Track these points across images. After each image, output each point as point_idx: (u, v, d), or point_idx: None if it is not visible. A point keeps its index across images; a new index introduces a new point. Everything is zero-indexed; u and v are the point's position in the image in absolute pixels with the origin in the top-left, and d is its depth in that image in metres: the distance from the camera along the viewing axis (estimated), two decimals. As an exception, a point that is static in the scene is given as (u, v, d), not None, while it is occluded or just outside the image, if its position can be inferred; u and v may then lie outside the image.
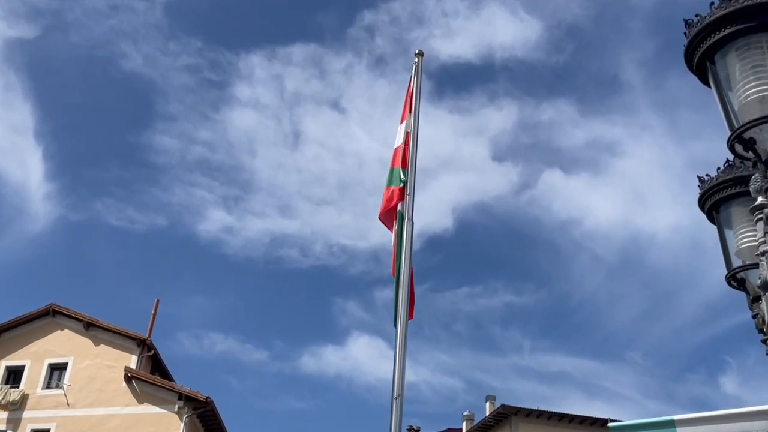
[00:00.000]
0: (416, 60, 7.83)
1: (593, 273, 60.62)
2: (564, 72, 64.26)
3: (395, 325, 6.45)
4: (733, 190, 4.50)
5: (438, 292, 59.56)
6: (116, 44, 58.12)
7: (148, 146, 60.00)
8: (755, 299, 4.14)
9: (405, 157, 7.13)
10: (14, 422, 24.44)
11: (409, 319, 6.35)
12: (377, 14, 63.40)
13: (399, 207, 6.91)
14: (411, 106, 7.41)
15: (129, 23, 59.19)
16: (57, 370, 25.66)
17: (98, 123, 59.22)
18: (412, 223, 6.75)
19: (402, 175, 6.98)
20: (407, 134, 7.28)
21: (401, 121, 7.45)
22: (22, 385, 25.20)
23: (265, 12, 66.98)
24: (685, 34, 4.25)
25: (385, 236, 7.17)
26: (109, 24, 58.06)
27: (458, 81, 67.12)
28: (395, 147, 7.34)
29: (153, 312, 26.32)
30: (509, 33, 62.43)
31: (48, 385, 25.30)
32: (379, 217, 7.06)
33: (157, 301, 26.72)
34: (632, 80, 61.34)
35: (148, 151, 58.93)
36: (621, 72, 61.48)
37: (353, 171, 63.46)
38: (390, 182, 7.12)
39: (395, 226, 6.86)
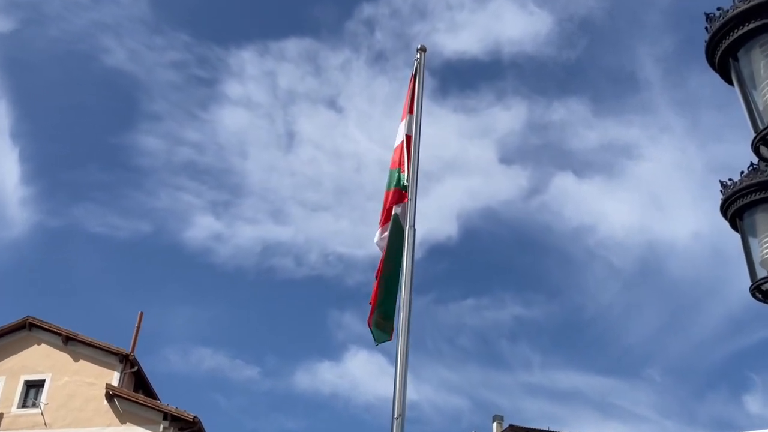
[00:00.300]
0: (418, 56, 7.88)
1: (608, 284, 60.57)
2: (576, 69, 64.33)
3: (376, 340, 6.54)
4: (758, 196, 4.52)
5: (441, 303, 59.57)
6: (98, 38, 58.33)
7: (131, 148, 60.16)
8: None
9: (407, 160, 7.18)
10: (-13, 444, 24.51)
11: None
12: (377, 7, 63.53)
13: (394, 209, 6.96)
14: (412, 105, 7.47)
15: (112, 16, 59.44)
16: (33, 387, 25.71)
17: (78, 123, 59.41)
18: (414, 230, 6.79)
19: (404, 179, 7.03)
20: (407, 135, 7.33)
21: (402, 119, 7.51)
22: (-5, 404, 25.26)
23: (256, 4, 67.21)
24: (706, 28, 4.29)
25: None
26: (90, 17, 58.31)
27: (463, 78, 67.20)
28: (395, 146, 7.40)
29: (136, 325, 26.41)
30: (518, 27, 62.49)
31: (24, 404, 25.35)
32: (380, 224, 7.12)
33: (141, 313, 26.82)
34: (650, 78, 61.34)
35: (131, 152, 59.08)
36: (638, 69, 61.47)
37: (351, 174, 63.54)
38: (390, 185, 7.17)
39: (388, 230, 6.91)
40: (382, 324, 6.66)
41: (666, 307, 58.99)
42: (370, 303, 6.82)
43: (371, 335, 6.82)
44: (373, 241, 7.16)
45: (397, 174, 7.14)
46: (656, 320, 58.25)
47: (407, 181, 6.99)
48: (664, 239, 58.07)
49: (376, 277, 6.84)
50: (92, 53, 58.17)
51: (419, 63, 7.79)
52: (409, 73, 7.78)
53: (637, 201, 63.34)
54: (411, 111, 7.45)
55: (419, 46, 7.93)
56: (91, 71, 58.78)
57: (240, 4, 64.76)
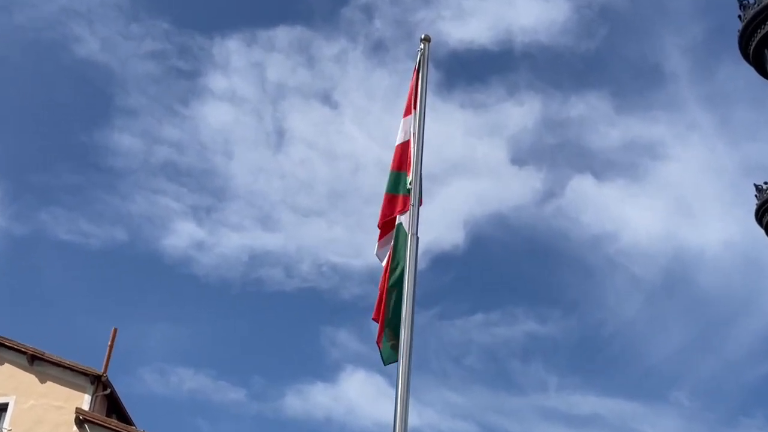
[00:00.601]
0: (422, 47, 7.86)
1: (631, 297, 60.51)
2: (596, 60, 64.46)
3: (385, 361, 6.50)
4: (797, 201, 4.47)
5: (447, 319, 59.50)
6: (68, 26, 58.31)
7: (104, 147, 60.10)
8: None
9: (408, 161, 7.15)
10: (-56, 473, 24.31)
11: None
12: (376, -8, 63.59)
13: (399, 219, 6.93)
14: (416, 101, 7.44)
15: (84, 2, 59.47)
16: (-4, 411, 25.55)
17: (46, 119, 59.33)
18: (417, 238, 6.75)
19: (407, 182, 6.99)
20: (411, 134, 7.29)
21: (405, 115, 7.48)
22: (-46, 430, 25.09)
23: (243, -10, 67.22)
24: (739, 17, 4.26)
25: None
26: (60, 2, 58.34)
27: (472, 70, 67.33)
28: (396, 143, 7.36)
29: (110, 343, 26.25)
30: (532, 14, 62.73)
31: (-15, 430, 25.17)
32: (378, 226, 7.08)
33: (115, 330, 26.66)
34: (677, 70, 61.39)
35: (104, 152, 59.00)
36: (663, 60, 61.55)
37: (347, 176, 63.49)
38: (391, 188, 7.13)
39: (391, 242, 6.88)
40: (393, 342, 6.59)
41: (694, 323, 59.00)
42: (374, 319, 6.76)
43: (380, 355, 6.76)
44: (371, 250, 7.11)
45: (401, 177, 7.11)
46: (683, 337, 58.19)
47: (410, 184, 6.96)
48: (692, 248, 58.11)
49: (381, 290, 6.79)
50: (62, 42, 58.16)
51: (423, 54, 7.77)
52: (412, 66, 7.79)
53: (662, 205, 63.49)
54: (415, 107, 7.44)
55: (423, 36, 7.91)
56: (60, 62, 58.79)
57: (224, -9, 64.77)
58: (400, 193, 7.07)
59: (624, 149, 61.68)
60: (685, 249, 59.08)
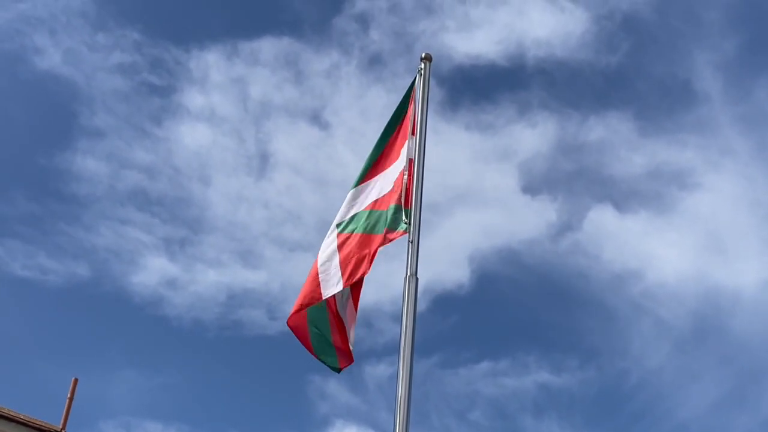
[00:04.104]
0: (422, 66, 7.83)
1: (657, 344, 60.20)
2: (618, 77, 64.70)
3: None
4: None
5: (449, 367, 59.07)
6: (27, 35, 58.47)
7: (66, 171, 60.04)
8: None
9: (397, 193, 7.26)
10: None
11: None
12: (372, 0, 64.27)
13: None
14: (414, 126, 7.51)
15: (45, 8, 59.65)
16: (-61, 473, 25.37)
17: (1, 140, 59.45)
18: (416, 279, 6.75)
19: (404, 217, 7.05)
20: (410, 160, 7.39)
21: (397, 142, 7.57)
22: None
23: (224, -2, 67.92)
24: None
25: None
26: (19, 9, 58.48)
27: (478, 88, 67.48)
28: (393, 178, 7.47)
29: (69, 395, 26.11)
30: (546, 25, 62.90)
31: (-74, 494, 24.99)
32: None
33: (75, 380, 26.45)
34: (708, 89, 61.64)
35: (66, 177, 58.94)
36: (693, 78, 61.74)
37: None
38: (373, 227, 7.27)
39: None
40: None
41: (729, 374, 58.58)
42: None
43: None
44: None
45: (388, 212, 7.20)
46: (717, 389, 57.80)
47: (407, 217, 7.01)
48: (725, 289, 57.82)
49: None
50: (20, 54, 58.23)
51: (422, 75, 7.76)
52: (412, 82, 7.79)
53: (691, 241, 63.27)
54: (413, 133, 7.47)
55: (423, 55, 7.86)
56: (18, 76, 58.81)
57: (202, -1, 65.44)
58: (398, 228, 7.15)
59: (649, 177, 61.73)
60: (717, 290, 58.92)
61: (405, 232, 7.00)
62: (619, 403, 60.16)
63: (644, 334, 60.90)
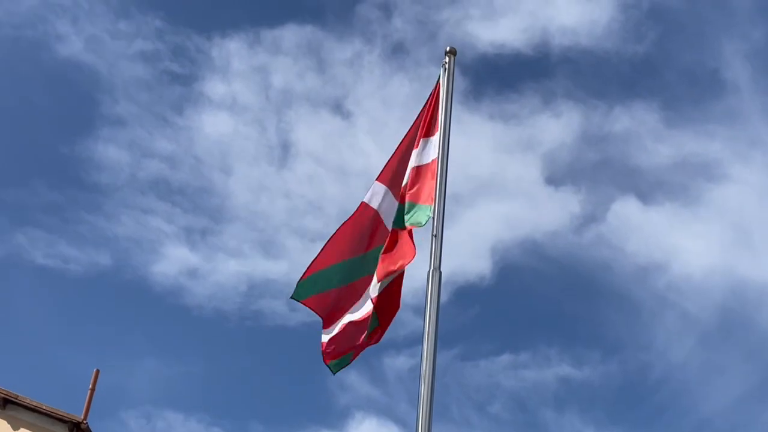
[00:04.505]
0: (446, 60, 7.79)
1: (682, 337, 59.89)
2: (644, 67, 64.20)
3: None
4: None
5: (470, 360, 59.01)
6: (50, 23, 58.77)
7: (88, 160, 60.37)
8: None
9: (422, 188, 7.32)
10: None
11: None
12: (395, -12, 64.15)
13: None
14: (436, 122, 7.49)
15: (66, -2, 60.21)
16: (-38, 462, 25.71)
17: (23, 128, 59.72)
18: (440, 273, 6.79)
19: (429, 212, 7.08)
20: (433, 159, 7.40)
21: (420, 137, 7.58)
22: None
23: (245, -14, 68.00)
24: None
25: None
26: (40, -2, 59.06)
27: (502, 77, 67.22)
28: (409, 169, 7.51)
29: (91, 385, 26.33)
30: (572, 14, 62.44)
31: (-51, 483, 25.34)
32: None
33: (97, 371, 26.67)
34: (737, 78, 61.04)
35: (87, 166, 59.31)
36: (722, 67, 61.14)
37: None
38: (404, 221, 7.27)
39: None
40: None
41: (755, 369, 58.16)
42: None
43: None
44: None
45: (409, 208, 7.24)
46: (743, 385, 57.41)
47: (432, 212, 7.05)
48: (753, 282, 57.37)
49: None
50: (42, 41, 58.56)
51: (447, 70, 7.72)
52: (435, 71, 7.77)
53: (718, 233, 62.77)
54: (437, 128, 7.42)
55: (448, 49, 7.83)
56: (40, 64, 59.10)
57: (223, -13, 65.52)
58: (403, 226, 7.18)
59: (675, 168, 61.27)
60: (744, 284, 58.50)
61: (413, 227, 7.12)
62: (642, 397, 59.77)
63: (668, 327, 60.39)
